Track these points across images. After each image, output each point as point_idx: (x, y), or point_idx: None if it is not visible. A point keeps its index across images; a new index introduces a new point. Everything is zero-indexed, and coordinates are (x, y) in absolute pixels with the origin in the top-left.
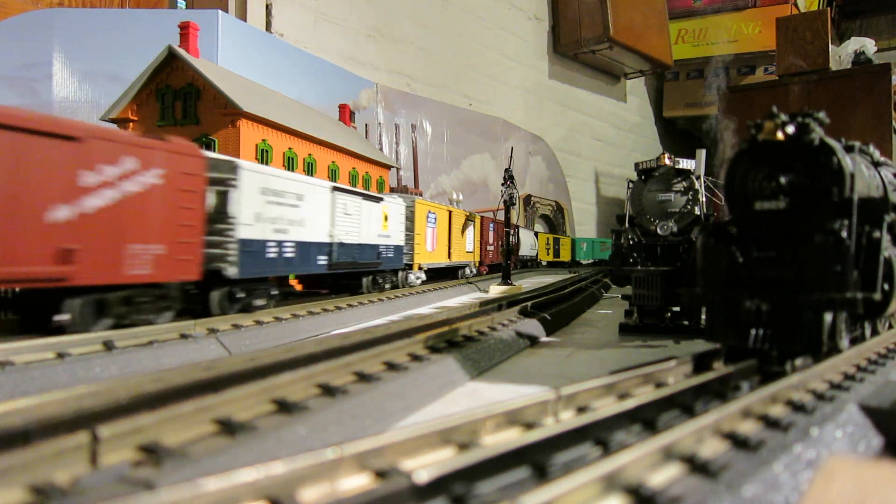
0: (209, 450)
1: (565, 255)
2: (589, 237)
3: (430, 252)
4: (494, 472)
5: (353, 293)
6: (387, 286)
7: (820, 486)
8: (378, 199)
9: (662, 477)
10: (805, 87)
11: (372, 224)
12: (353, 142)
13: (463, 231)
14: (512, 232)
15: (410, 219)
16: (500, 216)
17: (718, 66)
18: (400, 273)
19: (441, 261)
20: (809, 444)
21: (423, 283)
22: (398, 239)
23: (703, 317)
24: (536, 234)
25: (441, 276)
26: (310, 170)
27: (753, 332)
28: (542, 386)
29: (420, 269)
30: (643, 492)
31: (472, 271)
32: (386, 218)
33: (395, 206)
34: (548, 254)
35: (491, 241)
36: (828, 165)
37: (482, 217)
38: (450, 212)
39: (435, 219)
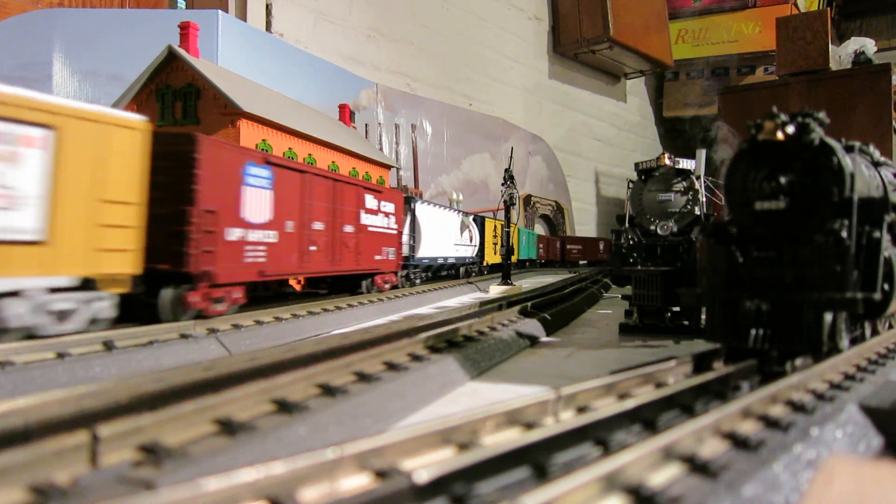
0: (209, 450)
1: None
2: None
3: None
4: (494, 472)
5: None
6: None
7: (820, 486)
8: None
9: (662, 477)
10: (805, 87)
11: None
12: (353, 142)
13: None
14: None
15: None
16: (501, 216)
17: (718, 66)
18: None
19: None
20: (809, 444)
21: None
22: None
23: (703, 317)
24: (480, 220)
25: None
26: None
27: (753, 332)
28: (542, 386)
29: None
30: (643, 492)
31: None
32: None
33: None
34: (497, 253)
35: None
36: (828, 165)
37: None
38: None
39: None
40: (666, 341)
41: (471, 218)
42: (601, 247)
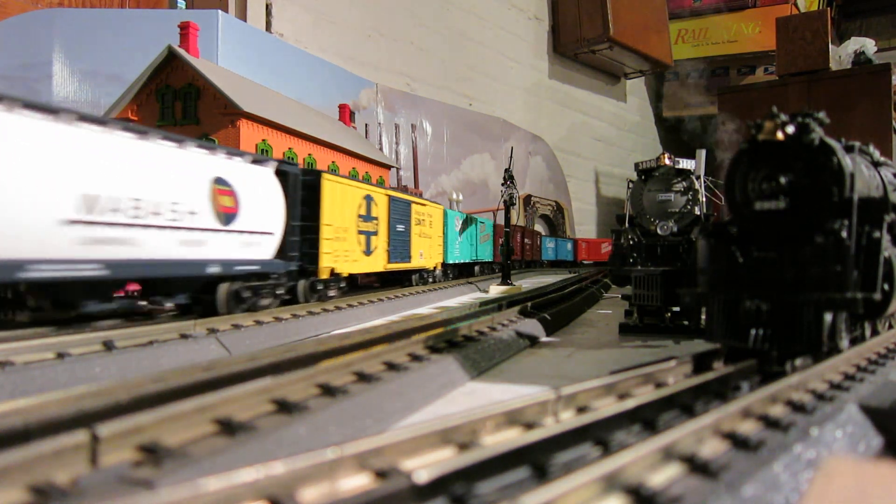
0: (209, 450)
1: (433, 256)
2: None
3: None
4: (494, 472)
5: None
6: None
7: (820, 486)
8: None
9: (662, 477)
10: (805, 87)
11: None
12: (353, 142)
13: None
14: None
15: None
16: (501, 216)
17: (718, 66)
18: None
19: None
20: (809, 444)
21: None
22: None
23: (703, 317)
24: (306, 180)
25: None
26: None
27: (753, 332)
28: (542, 386)
29: None
30: (643, 492)
31: None
32: None
33: None
34: (378, 250)
35: None
36: (828, 165)
37: None
38: None
39: None
40: (666, 341)
41: (243, 161)
42: (534, 244)
